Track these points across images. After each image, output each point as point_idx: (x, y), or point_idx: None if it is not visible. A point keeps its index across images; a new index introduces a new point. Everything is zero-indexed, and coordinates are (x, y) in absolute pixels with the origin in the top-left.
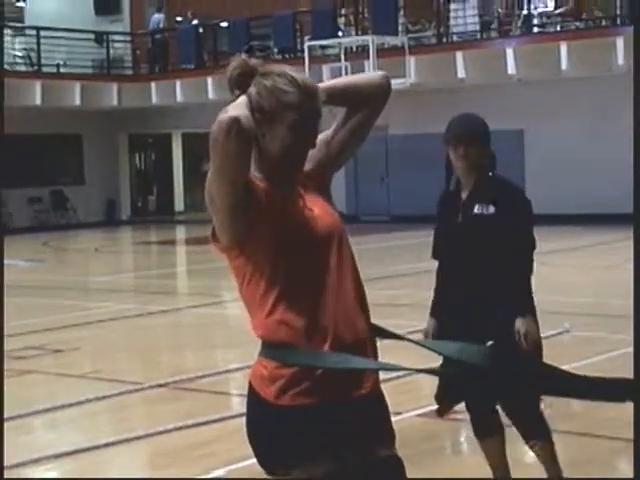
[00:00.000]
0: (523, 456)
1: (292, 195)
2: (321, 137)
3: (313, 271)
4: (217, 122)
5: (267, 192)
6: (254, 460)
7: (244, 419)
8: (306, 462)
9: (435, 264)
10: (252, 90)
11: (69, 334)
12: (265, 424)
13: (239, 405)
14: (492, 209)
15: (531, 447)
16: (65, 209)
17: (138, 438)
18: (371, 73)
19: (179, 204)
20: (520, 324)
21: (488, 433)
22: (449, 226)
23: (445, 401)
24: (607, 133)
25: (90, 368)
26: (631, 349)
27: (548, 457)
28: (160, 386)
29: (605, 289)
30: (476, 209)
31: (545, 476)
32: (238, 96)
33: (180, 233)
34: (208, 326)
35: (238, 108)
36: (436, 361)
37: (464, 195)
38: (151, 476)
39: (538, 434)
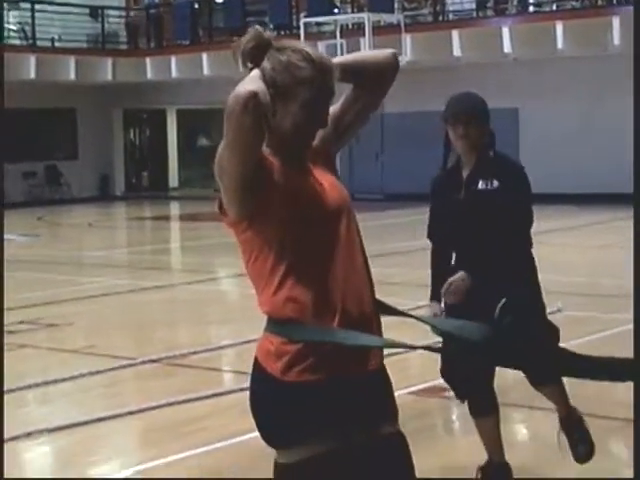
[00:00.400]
0: (516, 436)
1: (301, 170)
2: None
3: (322, 246)
4: (234, 95)
5: (277, 167)
6: (247, 436)
7: (237, 395)
8: (310, 438)
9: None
10: (266, 64)
11: (63, 309)
12: (270, 399)
13: (232, 381)
14: (496, 183)
15: (540, 390)
16: (59, 184)
17: (131, 413)
18: (380, 50)
19: (173, 180)
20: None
21: (484, 412)
22: (450, 203)
23: (449, 376)
24: (602, 113)
25: (84, 343)
26: (623, 328)
27: (559, 395)
28: (153, 361)
29: (599, 269)
30: (480, 184)
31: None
32: (251, 69)
33: (174, 209)
34: (202, 302)
35: (255, 82)
36: (435, 338)
37: (465, 173)
38: (143, 452)
39: (548, 377)
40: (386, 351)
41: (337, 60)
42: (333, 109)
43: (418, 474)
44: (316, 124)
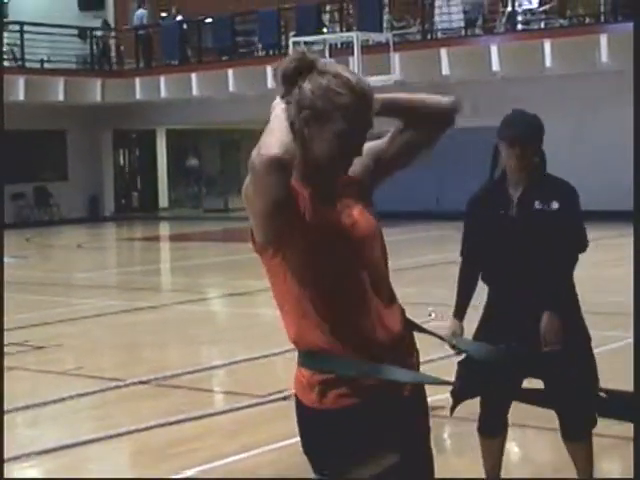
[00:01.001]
0: (507, 455)
1: (329, 199)
2: (373, 145)
3: (349, 275)
4: (258, 153)
5: (304, 196)
6: (238, 456)
7: (226, 416)
8: (357, 462)
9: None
10: (306, 86)
11: (52, 330)
12: (313, 430)
13: (222, 402)
14: (556, 205)
15: (569, 444)
16: (48, 205)
17: (120, 435)
18: (440, 97)
19: (163, 200)
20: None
21: (495, 433)
22: (497, 220)
23: (461, 395)
24: (591, 130)
25: (72, 365)
26: (613, 346)
27: (585, 457)
28: (142, 383)
29: (592, 286)
30: (536, 205)
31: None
32: (282, 96)
33: (164, 229)
34: (192, 322)
35: (280, 134)
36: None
37: (515, 191)
38: (133, 474)
39: (581, 432)
40: None
41: (388, 96)
42: (379, 142)
43: None
44: (350, 154)
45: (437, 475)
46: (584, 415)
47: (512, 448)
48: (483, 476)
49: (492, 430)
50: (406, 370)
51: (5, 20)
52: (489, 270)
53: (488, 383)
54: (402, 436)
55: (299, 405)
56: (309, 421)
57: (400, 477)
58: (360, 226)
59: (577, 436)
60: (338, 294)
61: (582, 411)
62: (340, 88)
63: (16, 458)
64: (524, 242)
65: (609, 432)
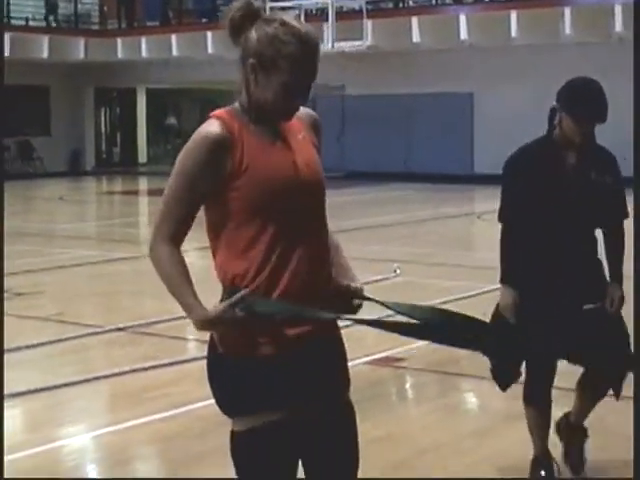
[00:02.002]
0: (466, 405)
1: (274, 139)
2: None
3: (285, 224)
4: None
5: (248, 144)
6: (208, 402)
7: (199, 363)
8: (261, 408)
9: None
10: (252, 34)
11: (33, 278)
12: (221, 373)
13: (195, 349)
14: (609, 179)
15: (590, 397)
16: (31, 159)
17: (98, 379)
18: None
19: (142, 156)
20: (614, 291)
21: (542, 401)
22: (552, 186)
23: (511, 374)
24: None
25: (53, 311)
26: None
27: (590, 407)
28: (119, 330)
29: None
30: (593, 175)
31: None
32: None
33: (143, 184)
34: None
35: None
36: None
37: (570, 159)
38: (110, 416)
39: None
40: (342, 322)
41: None
42: None
43: (372, 439)
44: (296, 97)
45: (401, 423)
46: (615, 375)
47: (469, 398)
48: (441, 423)
49: (539, 399)
50: (327, 311)
51: None
52: (534, 235)
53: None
54: (313, 387)
55: (212, 345)
56: (219, 364)
57: (304, 425)
58: (298, 169)
59: (602, 393)
60: (274, 240)
61: (615, 372)
62: (287, 37)
63: None
64: (577, 210)
65: (557, 383)
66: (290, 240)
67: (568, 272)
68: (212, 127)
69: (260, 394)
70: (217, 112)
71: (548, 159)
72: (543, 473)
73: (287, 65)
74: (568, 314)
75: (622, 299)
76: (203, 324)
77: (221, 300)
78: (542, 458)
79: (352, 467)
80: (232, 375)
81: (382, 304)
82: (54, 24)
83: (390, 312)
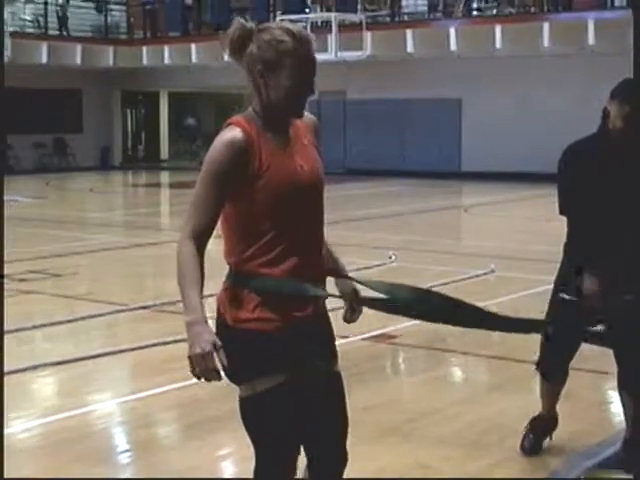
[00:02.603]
0: (452, 378)
1: (284, 146)
2: None
3: (289, 216)
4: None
5: (265, 148)
6: (221, 372)
7: None
8: (261, 376)
9: None
10: (252, 47)
11: (67, 261)
12: (226, 344)
13: (211, 326)
14: None
15: (623, 392)
16: (65, 154)
17: (123, 351)
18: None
19: (164, 153)
20: None
21: (554, 378)
22: (597, 182)
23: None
24: (532, 104)
25: (84, 290)
26: (546, 287)
27: (634, 408)
28: (144, 308)
29: (525, 237)
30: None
31: None
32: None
33: (164, 178)
34: None
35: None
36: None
37: (619, 156)
38: (133, 383)
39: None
40: (339, 302)
41: None
42: None
43: (370, 406)
44: (304, 89)
45: (395, 392)
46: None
47: (455, 372)
48: (430, 392)
49: (553, 376)
50: (320, 289)
51: None
52: (581, 225)
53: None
54: (304, 358)
55: (219, 317)
56: (225, 335)
57: (299, 390)
58: (310, 176)
59: (636, 389)
60: (281, 231)
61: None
62: (283, 36)
63: (34, 367)
64: (620, 207)
65: (530, 358)
66: (295, 228)
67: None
68: (234, 134)
69: (262, 362)
70: (236, 119)
71: (605, 151)
72: (544, 426)
73: (290, 60)
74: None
75: None
76: (187, 327)
77: (227, 277)
78: (547, 417)
79: (343, 425)
80: (238, 346)
81: (365, 284)
82: (64, 34)
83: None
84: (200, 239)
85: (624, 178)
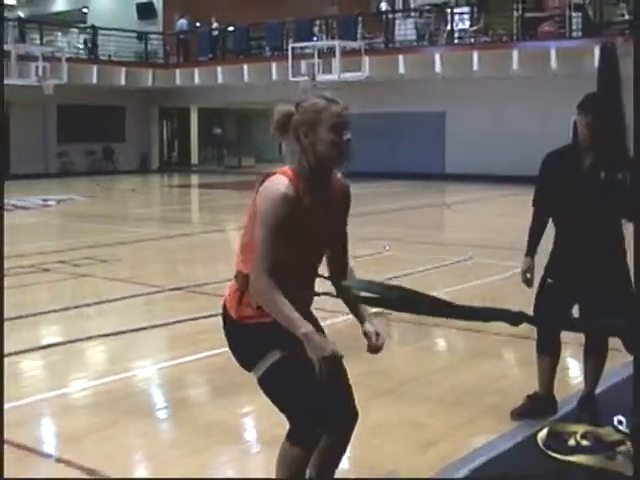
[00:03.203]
0: (436, 347)
1: (319, 203)
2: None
3: (297, 253)
4: (266, 196)
5: (306, 202)
6: None
7: None
8: (265, 357)
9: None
10: (296, 117)
11: (113, 250)
12: (234, 336)
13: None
14: (621, 176)
15: (588, 355)
16: (111, 160)
17: (160, 325)
18: None
19: (194, 158)
20: None
21: (547, 351)
22: (572, 184)
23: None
24: (504, 117)
25: (127, 274)
26: (515, 271)
27: (594, 371)
28: (177, 289)
29: (498, 229)
30: (602, 174)
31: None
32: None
33: (194, 180)
34: (212, 247)
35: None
36: None
37: (587, 160)
38: (170, 352)
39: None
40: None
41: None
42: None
43: (366, 372)
44: (342, 141)
45: (388, 361)
46: (606, 338)
47: (440, 342)
48: (418, 360)
49: (544, 350)
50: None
51: (84, 25)
52: (560, 217)
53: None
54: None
55: (225, 312)
56: (231, 327)
57: (299, 358)
58: (324, 229)
59: (599, 354)
60: (286, 259)
61: (608, 336)
62: (317, 99)
63: (88, 339)
64: (593, 205)
65: (504, 330)
66: (301, 260)
67: (582, 251)
68: (287, 189)
69: (264, 344)
70: (285, 171)
71: (570, 158)
72: (541, 407)
73: (325, 115)
74: (581, 290)
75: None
76: (306, 337)
77: (236, 281)
78: (544, 396)
79: (347, 384)
80: (243, 336)
81: (347, 286)
82: (92, 56)
83: None
84: (272, 273)
85: (593, 181)
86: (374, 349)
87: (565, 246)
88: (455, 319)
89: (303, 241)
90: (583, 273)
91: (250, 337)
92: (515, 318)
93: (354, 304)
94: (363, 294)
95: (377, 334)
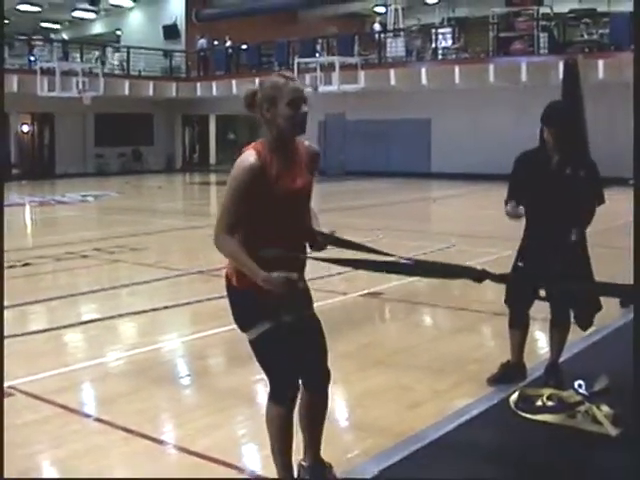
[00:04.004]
0: (424, 322)
1: (288, 167)
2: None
3: (279, 216)
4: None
5: (272, 164)
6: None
7: None
8: (259, 322)
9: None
10: (259, 95)
11: (141, 239)
12: (233, 300)
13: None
14: (582, 173)
15: (553, 328)
16: (140, 161)
17: (183, 304)
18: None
19: (212, 159)
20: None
21: (518, 325)
22: (538, 178)
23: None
24: (481, 123)
25: (154, 260)
26: (491, 257)
27: (559, 342)
28: (199, 272)
29: (477, 220)
30: (568, 171)
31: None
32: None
33: (212, 178)
34: None
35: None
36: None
37: (555, 157)
38: (193, 327)
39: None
40: (341, 268)
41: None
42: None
43: (362, 345)
44: (300, 115)
45: (381, 334)
46: (569, 313)
47: (426, 319)
48: (408, 334)
49: (515, 324)
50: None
51: (118, 45)
52: (531, 207)
53: (514, 290)
54: (291, 305)
55: (227, 281)
56: (232, 294)
57: (291, 327)
58: (299, 188)
59: (563, 326)
60: (272, 225)
61: (569, 310)
62: (277, 78)
63: (120, 316)
64: (558, 198)
65: (482, 308)
66: (287, 221)
67: (548, 237)
68: (252, 161)
69: (258, 313)
70: (254, 145)
71: (538, 157)
72: (513, 374)
73: (284, 91)
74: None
75: (580, 239)
76: (264, 281)
77: None
78: (515, 364)
79: (323, 350)
80: (242, 301)
81: (337, 239)
82: (125, 72)
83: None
84: (231, 232)
85: (560, 176)
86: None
87: (534, 232)
88: (424, 276)
89: (281, 204)
90: (549, 257)
91: (244, 305)
92: (479, 275)
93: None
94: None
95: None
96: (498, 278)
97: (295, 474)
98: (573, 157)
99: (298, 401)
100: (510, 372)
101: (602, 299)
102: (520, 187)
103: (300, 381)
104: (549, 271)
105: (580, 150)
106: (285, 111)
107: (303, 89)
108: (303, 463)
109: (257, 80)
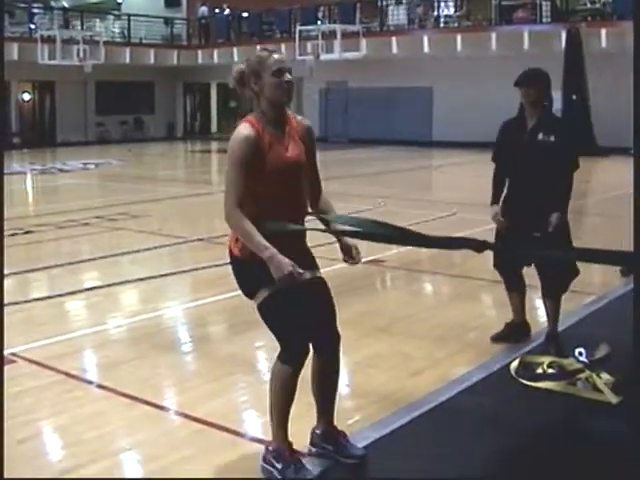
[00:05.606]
0: (424, 290)
1: (279, 136)
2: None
3: (277, 185)
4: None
5: (266, 136)
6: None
7: None
8: (263, 287)
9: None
10: (246, 70)
11: (144, 206)
12: (236, 269)
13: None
14: (553, 138)
15: (545, 298)
16: (142, 129)
17: (185, 271)
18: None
19: (213, 127)
20: (554, 218)
21: (514, 288)
22: (515, 143)
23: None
24: (483, 92)
25: (156, 227)
26: (494, 225)
27: (555, 309)
28: (199, 240)
29: (478, 188)
30: (540, 136)
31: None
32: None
33: (214, 145)
34: None
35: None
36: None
37: (530, 124)
38: (193, 294)
39: (554, 293)
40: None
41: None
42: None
43: (365, 312)
44: (286, 84)
45: (383, 302)
46: (559, 282)
47: (427, 286)
48: (409, 301)
49: (511, 287)
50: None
51: (119, 13)
52: (510, 175)
53: (504, 256)
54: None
55: (230, 252)
56: (235, 263)
57: (297, 290)
58: (293, 158)
59: (554, 295)
60: (269, 195)
61: (559, 279)
62: (261, 52)
63: (122, 283)
64: (530, 163)
65: (483, 276)
66: (285, 194)
67: (527, 206)
68: (248, 131)
69: (263, 278)
70: (248, 118)
71: (517, 123)
72: (517, 332)
73: (268, 63)
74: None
75: (561, 224)
76: (269, 259)
77: None
78: (519, 323)
79: (332, 312)
80: (245, 269)
81: (328, 219)
82: (126, 40)
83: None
84: (241, 206)
85: (532, 140)
86: (354, 261)
87: (514, 194)
88: (427, 247)
89: (277, 173)
90: (528, 216)
91: (246, 273)
92: (480, 245)
93: (332, 228)
94: (344, 227)
95: (356, 248)
96: (487, 246)
97: (308, 441)
98: (544, 122)
99: (310, 370)
100: (514, 329)
101: (603, 267)
102: (502, 152)
103: (311, 346)
104: (531, 241)
105: (551, 115)
106: (270, 80)
107: (286, 59)
108: (317, 431)
109: (258, 47)
